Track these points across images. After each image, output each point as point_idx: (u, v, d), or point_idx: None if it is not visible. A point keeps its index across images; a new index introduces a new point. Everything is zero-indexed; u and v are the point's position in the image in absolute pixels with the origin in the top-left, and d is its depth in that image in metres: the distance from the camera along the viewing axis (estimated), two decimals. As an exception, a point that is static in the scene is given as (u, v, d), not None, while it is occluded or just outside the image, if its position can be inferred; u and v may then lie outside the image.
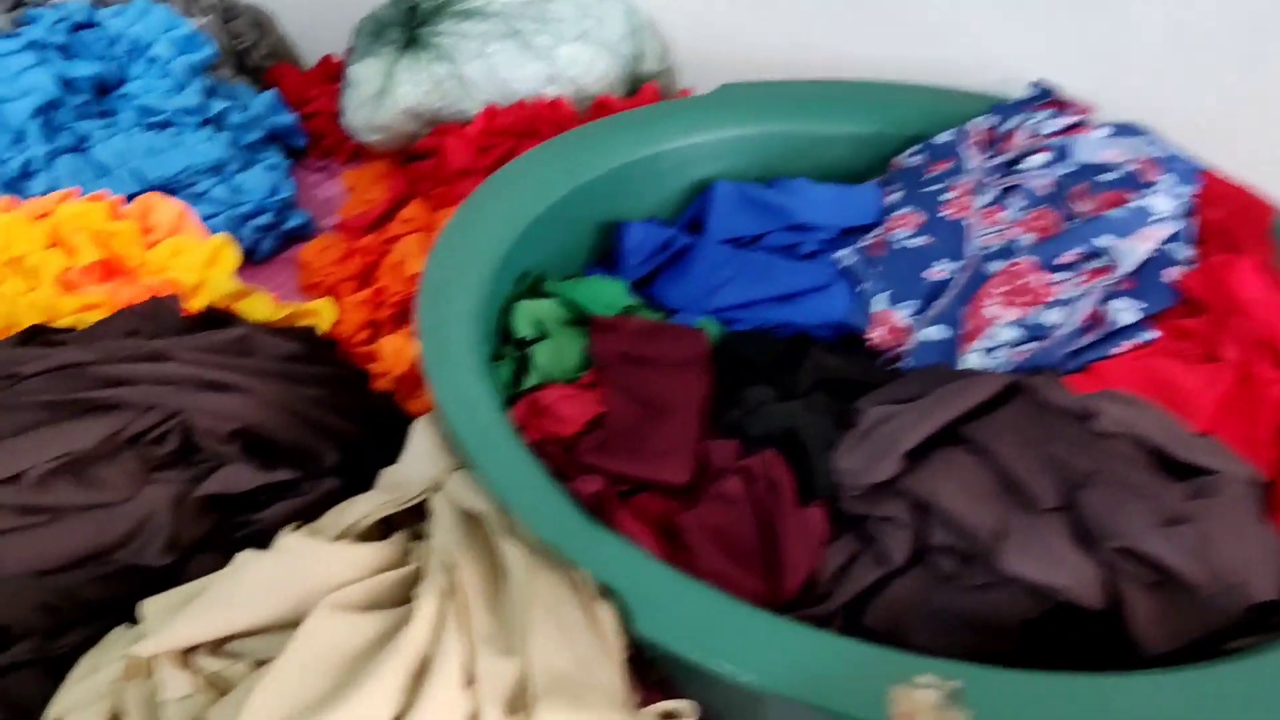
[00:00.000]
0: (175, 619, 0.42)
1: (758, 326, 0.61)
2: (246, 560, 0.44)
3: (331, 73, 0.96)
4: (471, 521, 0.48)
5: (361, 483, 0.53)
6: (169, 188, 0.79)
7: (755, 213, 0.67)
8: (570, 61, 0.76)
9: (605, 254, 0.68)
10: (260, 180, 0.81)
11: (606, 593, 0.41)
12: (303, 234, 0.83)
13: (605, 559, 0.40)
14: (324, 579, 0.43)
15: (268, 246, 0.80)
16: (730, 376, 0.56)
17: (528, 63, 0.75)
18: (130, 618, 0.49)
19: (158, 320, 0.58)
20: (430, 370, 0.48)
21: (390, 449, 0.57)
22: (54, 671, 0.48)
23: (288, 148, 0.92)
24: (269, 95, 0.91)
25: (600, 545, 0.41)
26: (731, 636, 0.37)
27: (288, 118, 0.91)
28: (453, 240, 0.57)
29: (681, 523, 0.47)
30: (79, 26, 0.83)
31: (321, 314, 0.68)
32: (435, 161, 0.76)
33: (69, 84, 0.80)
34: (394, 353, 0.66)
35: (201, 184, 0.80)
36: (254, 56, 0.99)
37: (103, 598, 0.49)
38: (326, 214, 0.87)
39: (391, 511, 0.48)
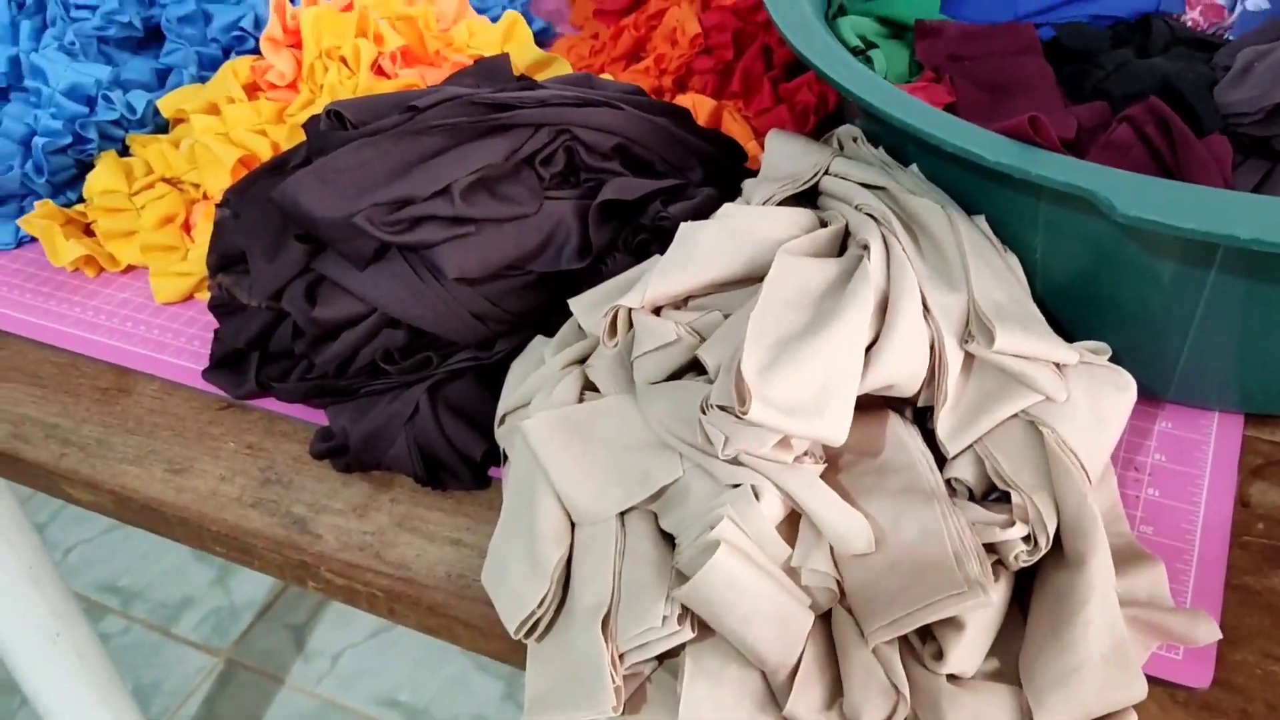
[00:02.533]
0: (646, 280, 0.44)
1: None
2: (694, 228, 0.46)
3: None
4: (870, 191, 0.50)
5: (725, 196, 0.55)
6: None
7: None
8: None
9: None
10: (500, -13, 0.83)
11: (1061, 199, 0.43)
12: (542, 39, 0.85)
13: (1062, 167, 0.42)
14: (769, 235, 0.46)
15: (514, 51, 0.82)
16: (1065, 68, 0.57)
17: None
18: (546, 329, 0.52)
19: (493, 77, 0.60)
20: (819, 62, 0.50)
21: (733, 169, 0.59)
22: (487, 380, 0.52)
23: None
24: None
25: (1050, 159, 0.42)
26: (1216, 207, 0.39)
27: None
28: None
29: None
30: None
31: (609, 85, 0.70)
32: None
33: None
34: (690, 108, 0.68)
35: (445, -5, 0.82)
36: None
37: (523, 308, 0.52)
38: (556, 23, 0.89)
39: (791, 193, 0.50)
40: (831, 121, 0.66)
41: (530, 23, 0.84)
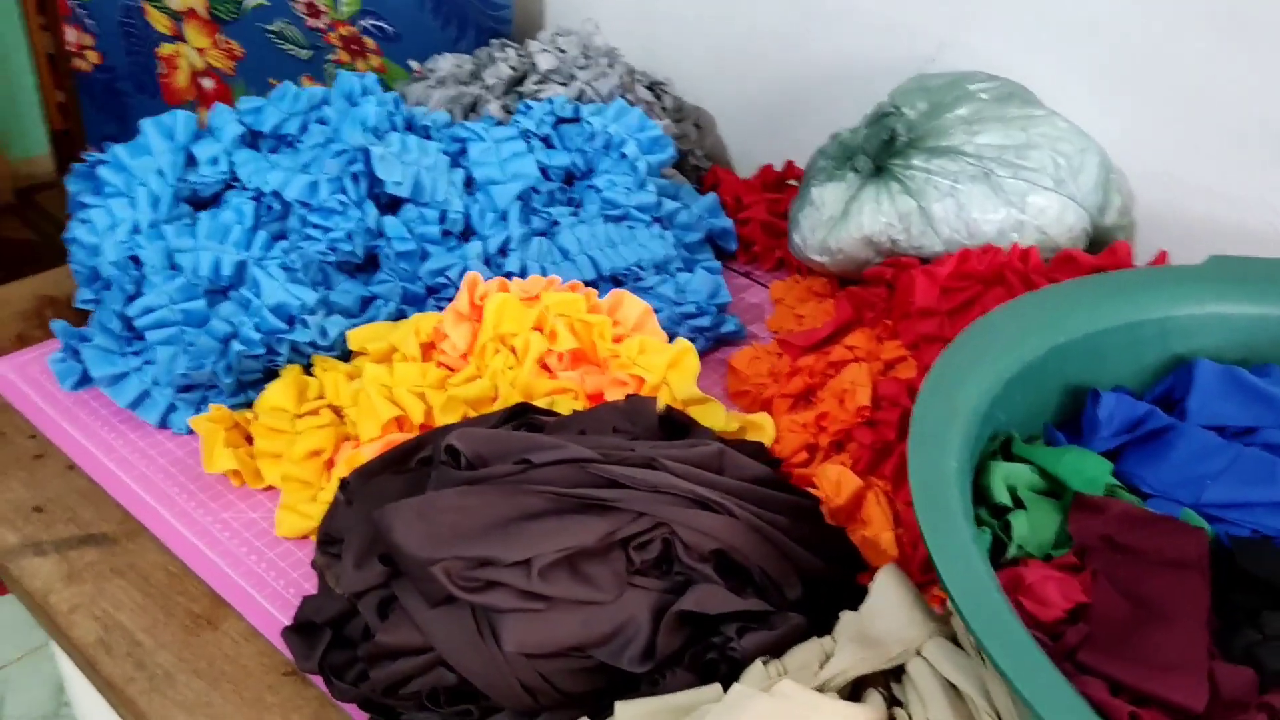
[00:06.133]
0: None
1: (1254, 533, 0.55)
2: (744, 698, 0.44)
3: (769, 182, 0.99)
4: (954, 694, 0.46)
5: (819, 619, 0.52)
6: (618, 279, 0.84)
7: (1248, 401, 0.61)
8: (1040, 211, 0.74)
9: (1068, 418, 0.64)
10: (703, 282, 0.84)
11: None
12: (732, 339, 0.86)
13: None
14: (819, 734, 0.43)
15: (699, 347, 0.83)
16: (1229, 588, 0.51)
17: (998, 207, 0.74)
18: (595, 710, 0.51)
19: (635, 420, 0.61)
20: (932, 545, 0.47)
21: (843, 585, 0.57)
22: (520, 750, 0.51)
23: (716, 248, 0.95)
24: (710, 199, 0.95)
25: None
26: None
27: (725, 222, 0.94)
28: (938, 391, 0.56)
29: (1197, 757, 0.43)
30: (562, 120, 0.90)
31: (765, 429, 0.70)
32: (887, 292, 0.76)
33: (545, 171, 0.87)
34: (834, 482, 0.66)
35: (648, 279, 0.84)
36: (693, 157, 1.04)
37: (576, 690, 0.51)
38: (750, 320, 0.89)
39: (870, 671, 0.47)
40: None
41: (725, 322, 0.85)
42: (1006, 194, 0.74)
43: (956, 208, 0.74)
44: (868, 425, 0.68)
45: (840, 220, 0.78)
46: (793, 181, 1.01)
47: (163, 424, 0.74)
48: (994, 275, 0.70)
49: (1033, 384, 0.61)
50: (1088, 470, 0.57)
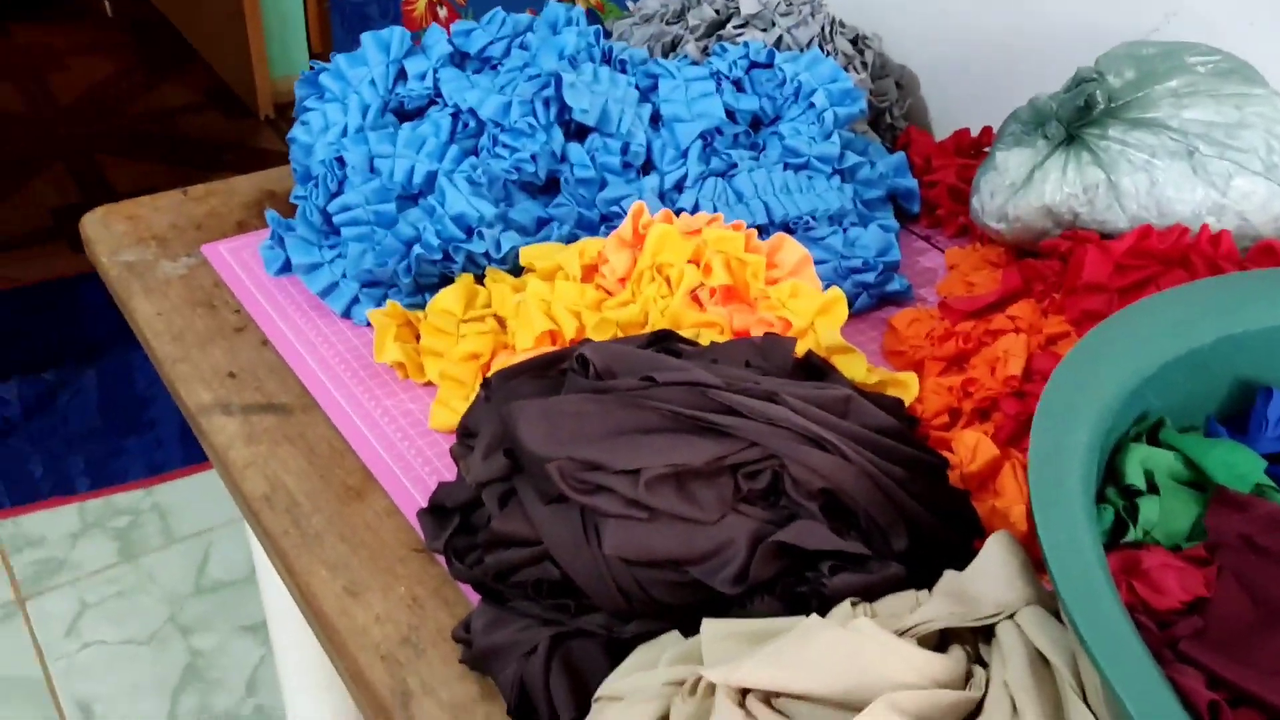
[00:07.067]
0: (744, 659, 0.43)
1: None
2: (818, 627, 0.44)
3: (963, 146, 0.96)
4: (1039, 663, 0.45)
5: (923, 576, 0.52)
6: (790, 226, 0.84)
7: None
8: (1244, 195, 0.69)
9: (1234, 413, 0.61)
10: (874, 238, 0.83)
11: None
12: (897, 298, 0.84)
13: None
14: (886, 673, 0.43)
15: (862, 303, 0.82)
16: (1376, 608, 0.47)
17: (1196, 187, 0.69)
18: (686, 625, 0.52)
19: (770, 357, 0.61)
20: (1038, 507, 0.46)
21: (957, 548, 0.56)
22: (611, 651, 0.53)
23: (899, 209, 0.94)
24: (898, 158, 0.93)
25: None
26: None
27: (910, 182, 0.92)
28: (1081, 363, 0.54)
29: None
30: (755, 65, 0.90)
31: (908, 387, 0.69)
32: (1061, 266, 0.73)
33: (731, 114, 0.87)
34: (970, 448, 0.64)
35: (819, 230, 0.84)
36: (890, 116, 1.02)
37: (669, 601, 0.52)
38: (921, 284, 0.87)
39: (957, 625, 0.47)
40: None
41: (892, 281, 0.83)
42: (1209, 174, 0.69)
43: (1149, 184, 0.70)
44: (1016, 396, 0.67)
45: (1022, 187, 0.75)
46: (988, 148, 0.97)
47: (346, 314, 0.80)
48: (1177, 256, 0.66)
49: (1197, 371, 0.58)
50: (1239, 465, 0.53)
